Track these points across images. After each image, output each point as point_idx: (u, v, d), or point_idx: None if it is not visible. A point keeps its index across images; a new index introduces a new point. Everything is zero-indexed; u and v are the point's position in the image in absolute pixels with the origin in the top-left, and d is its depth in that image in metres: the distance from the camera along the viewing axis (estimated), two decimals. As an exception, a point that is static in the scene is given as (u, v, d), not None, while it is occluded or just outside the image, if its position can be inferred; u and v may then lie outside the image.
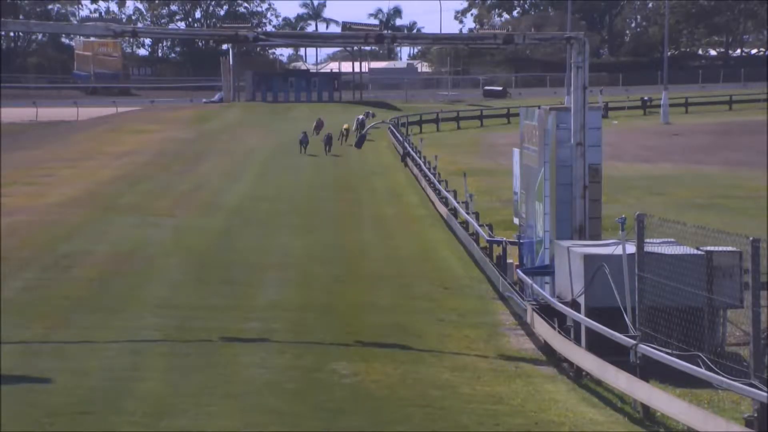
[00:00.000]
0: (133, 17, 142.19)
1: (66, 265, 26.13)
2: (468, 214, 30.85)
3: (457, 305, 23.02)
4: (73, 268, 25.82)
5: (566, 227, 21.49)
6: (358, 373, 17.20)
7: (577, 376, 17.62)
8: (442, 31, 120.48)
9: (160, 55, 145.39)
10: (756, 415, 13.10)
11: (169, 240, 30.10)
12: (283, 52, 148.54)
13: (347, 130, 58.16)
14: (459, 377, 17.14)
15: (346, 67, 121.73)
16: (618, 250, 17.05)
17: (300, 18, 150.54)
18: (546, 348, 19.17)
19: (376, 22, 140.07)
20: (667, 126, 75.84)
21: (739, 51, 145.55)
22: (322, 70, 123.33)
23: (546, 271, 21.55)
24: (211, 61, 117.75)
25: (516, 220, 25.58)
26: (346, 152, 57.48)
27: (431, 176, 40.57)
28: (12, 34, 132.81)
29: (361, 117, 62.83)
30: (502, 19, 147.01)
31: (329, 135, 53.91)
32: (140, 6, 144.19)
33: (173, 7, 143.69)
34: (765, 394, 12.87)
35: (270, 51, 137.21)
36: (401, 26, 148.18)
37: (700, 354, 14.34)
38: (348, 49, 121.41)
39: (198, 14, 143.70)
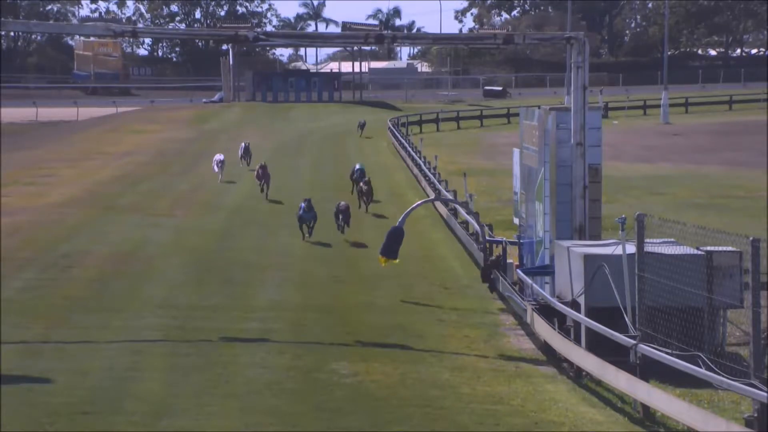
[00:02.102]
0: (133, 17, 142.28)
1: (66, 265, 26.13)
2: (468, 214, 30.84)
3: (457, 305, 23.03)
4: (73, 268, 25.82)
5: (566, 227, 21.50)
6: (358, 373, 17.20)
7: (577, 376, 17.62)
8: (442, 31, 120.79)
9: (160, 55, 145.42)
10: (756, 415, 13.10)
11: (169, 240, 30.09)
12: (283, 52, 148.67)
13: (362, 185, 36.42)
14: (459, 377, 17.14)
15: (346, 67, 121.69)
16: (618, 250, 17.05)
17: (300, 18, 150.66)
18: (546, 348, 19.17)
19: (376, 22, 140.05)
20: (667, 126, 75.85)
21: (739, 51, 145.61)
22: (322, 70, 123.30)
23: (546, 271, 21.56)
24: (211, 61, 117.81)
25: (516, 220, 25.57)
26: (345, 153, 57.48)
27: (431, 176, 40.57)
28: (12, 34, 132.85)
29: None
30: (502, 19, 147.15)
31: (344, 206, 31.14)
32: (140, 6, 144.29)
33: (173, 8, 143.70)
34: (765, 394, 12.87)
35: (270, 51, 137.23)
36: (401, 26, 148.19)
37: (700, 354, 14.34)
38: (348, 49, 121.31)
39: (198, 14, 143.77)
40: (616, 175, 41.73)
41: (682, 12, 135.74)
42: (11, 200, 36.61)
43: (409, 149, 50.84)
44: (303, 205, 30.37)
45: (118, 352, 18.28)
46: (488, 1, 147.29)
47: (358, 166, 40.04)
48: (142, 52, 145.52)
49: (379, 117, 77.67)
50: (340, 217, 30.63)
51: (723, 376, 13.61)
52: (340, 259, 27.92)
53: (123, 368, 17.25)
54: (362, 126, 68.10)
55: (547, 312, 19.39)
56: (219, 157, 43.87)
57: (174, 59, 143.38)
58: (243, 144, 48.07)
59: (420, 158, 45.94)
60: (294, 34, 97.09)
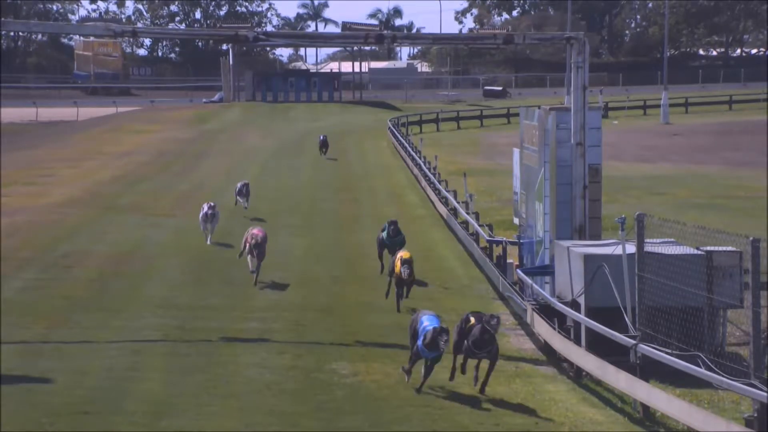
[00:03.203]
0: (133, 17, 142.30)
1: (66, 265, 26.12)
2: (468, 214, 30.84)
3: (457, 305, 22.99)
4: (73, 268, 25.81)
5: (566, 227, 21.50)
6: (358, 373, 17.21)
7: (577, 376, 17.61)
8: (442, 31, 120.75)
9: (160, 55, 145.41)
10: (756, 415, 13.10)
11: (169, 240, 30.08)
12: (283, 52, 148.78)
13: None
14: (459, 377, 17.13)
15: (346, 67, 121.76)
16: (618, 250, 17.05)
17: (300, 18, 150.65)
18: (546, 348, 19.16)
19: (376, 22, 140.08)
20: (667, 126, 75.85)
21: (739, 51, 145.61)
22: (322, 70, 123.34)
23: (546, 271, 21.56)
24: (211, 61, 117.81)
25: (516, 220, 25.58)
26: (344, 153, 57.46)
27: (431, 176, 40.57)
28: (12, 34, 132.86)
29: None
30: (502, 19, 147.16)
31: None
32: (140, 6, 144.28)
33: (173, 8, 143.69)
34: (765, 394, 12.87)
35: (270, 51, 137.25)
36: (401, 26, 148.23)
37: (700, 354, 14.33)
38: (348, 49, 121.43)
39: (198, 14, 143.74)
40: (616, 175, 41.71)
41: (682, 12, 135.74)
42: (11, 200, 36.60)
43: (409, 149, 50.84)
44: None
45: (118, 352, 18.28)
46: (488, 2, 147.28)
47: (384, 234, 24.81)
48: (142, 52, 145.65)
49: (379, 117, 77.68)
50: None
51: (723, 376, 13.61)
52: (340, 259, 27.91)
53: (123, 368, 17.25)
54: (324, 144, 52.80)
55: (547, 312, 19.39)
56: (207, 208, 29.37)
57: (174, 59, 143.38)
58: (239, 184, 35.32)
59: (420, 158, 45.94)
60: (294, 34, 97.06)
